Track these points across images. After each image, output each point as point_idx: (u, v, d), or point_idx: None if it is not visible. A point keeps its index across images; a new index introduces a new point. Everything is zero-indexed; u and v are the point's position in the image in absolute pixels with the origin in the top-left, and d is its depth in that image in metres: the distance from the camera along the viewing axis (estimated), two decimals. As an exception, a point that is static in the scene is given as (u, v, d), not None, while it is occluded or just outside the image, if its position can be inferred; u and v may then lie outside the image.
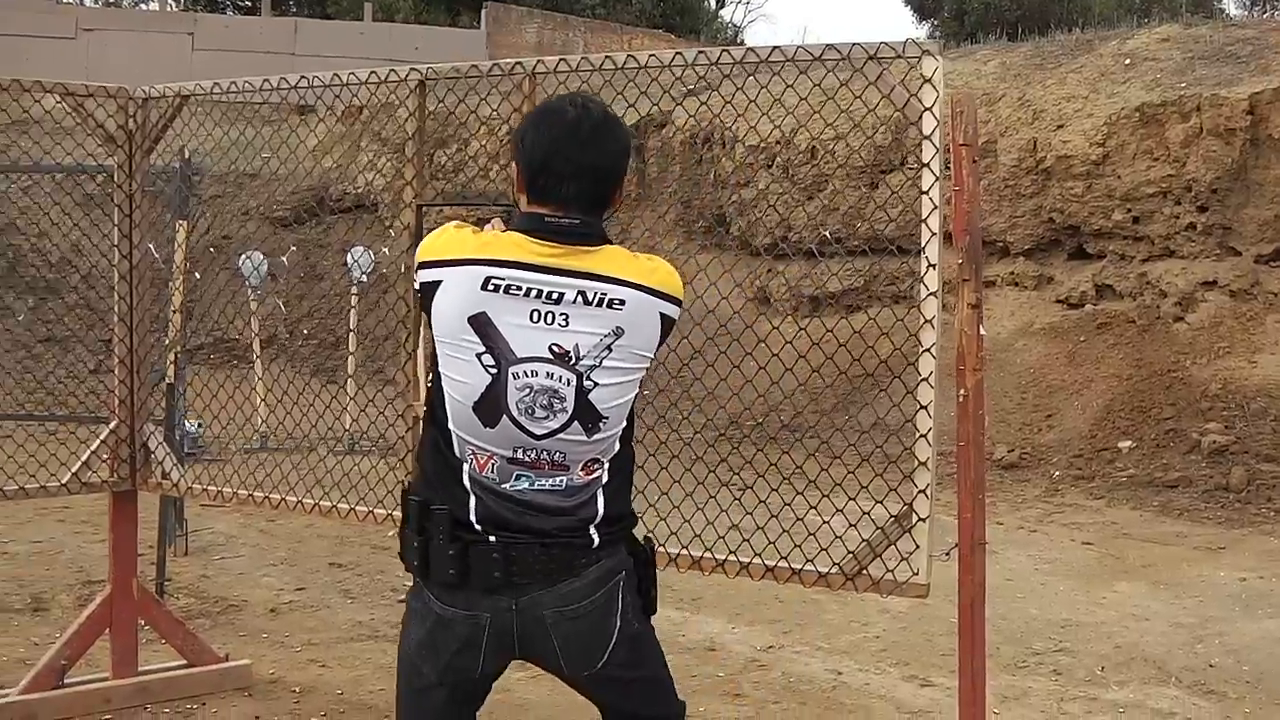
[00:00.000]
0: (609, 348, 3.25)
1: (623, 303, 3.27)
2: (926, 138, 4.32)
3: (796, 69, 4.66)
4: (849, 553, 4.51)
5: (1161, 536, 10.57)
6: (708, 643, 7.52)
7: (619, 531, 3.45)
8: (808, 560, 4.60)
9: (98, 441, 6.16)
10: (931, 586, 4.42)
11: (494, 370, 3.23)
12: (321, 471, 6.03)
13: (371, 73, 5.28)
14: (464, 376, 3.26)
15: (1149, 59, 14.60)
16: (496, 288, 3.23)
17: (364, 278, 14.24)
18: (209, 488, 6.00)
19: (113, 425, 6.14)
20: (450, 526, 3.31)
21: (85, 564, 8.92)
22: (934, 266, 4.39)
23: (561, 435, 3.27)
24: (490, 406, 3.25)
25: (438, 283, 3.29)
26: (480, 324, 3.23)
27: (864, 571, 4.51)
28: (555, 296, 3.23)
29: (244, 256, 14.28)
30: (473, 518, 3.31)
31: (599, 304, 3.25)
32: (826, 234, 14.19)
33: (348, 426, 12.40)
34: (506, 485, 3.30)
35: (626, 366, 3.30)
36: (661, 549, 4.77)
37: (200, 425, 12.18)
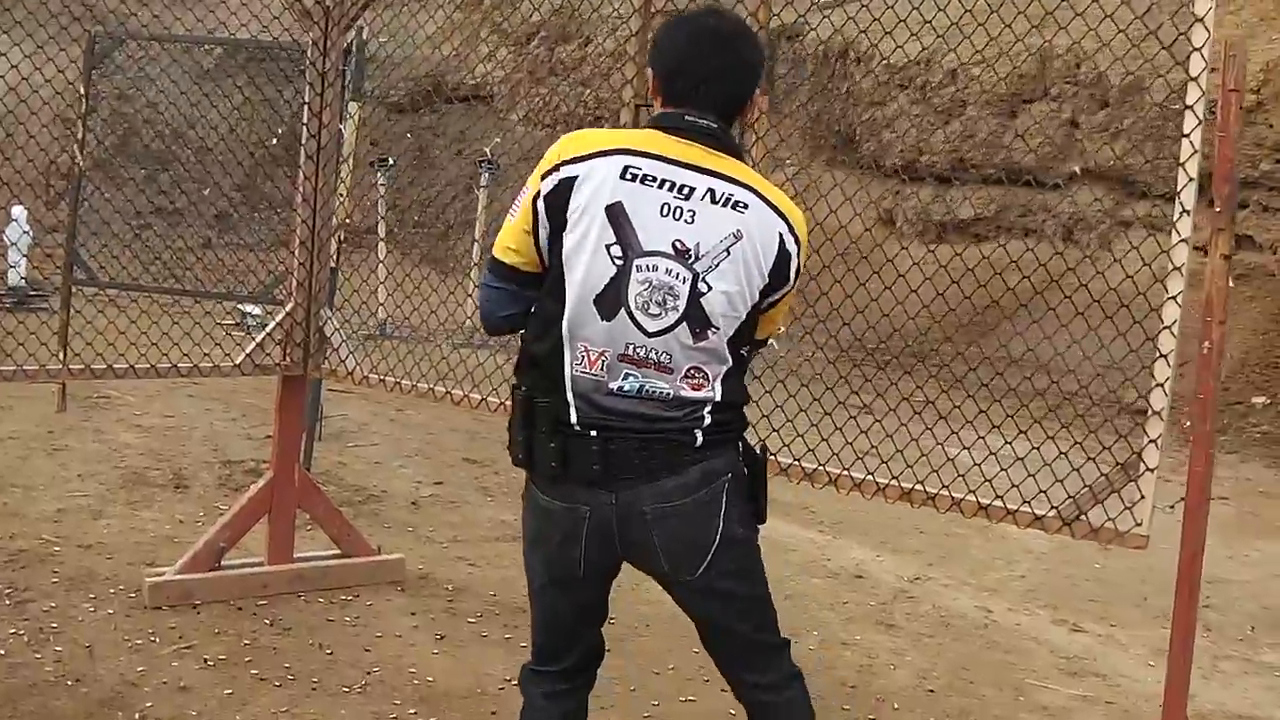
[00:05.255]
0: (727, 250, 3.26)
1: (746, 206, 3.28)
2: (1193, 79, 4.15)
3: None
4: (1069, 497, 4.39)
5: (1299, 496, 10.35)
6: (855, 569, 7.42)
7: (726, 433, 3.41)
8: (1025, 501, 4.47)
9: (273, 324, 6.10)
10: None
11: (620, 261, 3.25)
12: (455, 361, 5.97)
13: (594, -31, 5.13)
14: (590, 268, 3.26)
15: (1310, 2, 14.16)
16: (634, 177, 3.27)
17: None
18: (386, 378, 5.90)
19: (289, 308, 6.07)
20: (552, 422, 3.32)
21: (220, 442, 8.93)
22: (1188, 213, 4.24)
23: (670, 335, 3.26)
24: (611, 299, 3.26)
25: (574, 178, 3.29)
26: (615, 214, 3.25)
27: (1082, 517, 4.38)
28: (686, 191, 3.27)
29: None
30: (573, 415, 3.30)
31: (725, 204, 3.27)
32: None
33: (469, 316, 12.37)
34: (614, 384, 3.28)
35: (740, 276, 3.28)
36: (844, 473, 4.67)
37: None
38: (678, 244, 3.25)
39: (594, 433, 3.29)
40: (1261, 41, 13.79)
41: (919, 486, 4.57)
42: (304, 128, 5.97)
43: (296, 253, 6.06)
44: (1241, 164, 13.71)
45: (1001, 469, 4.58)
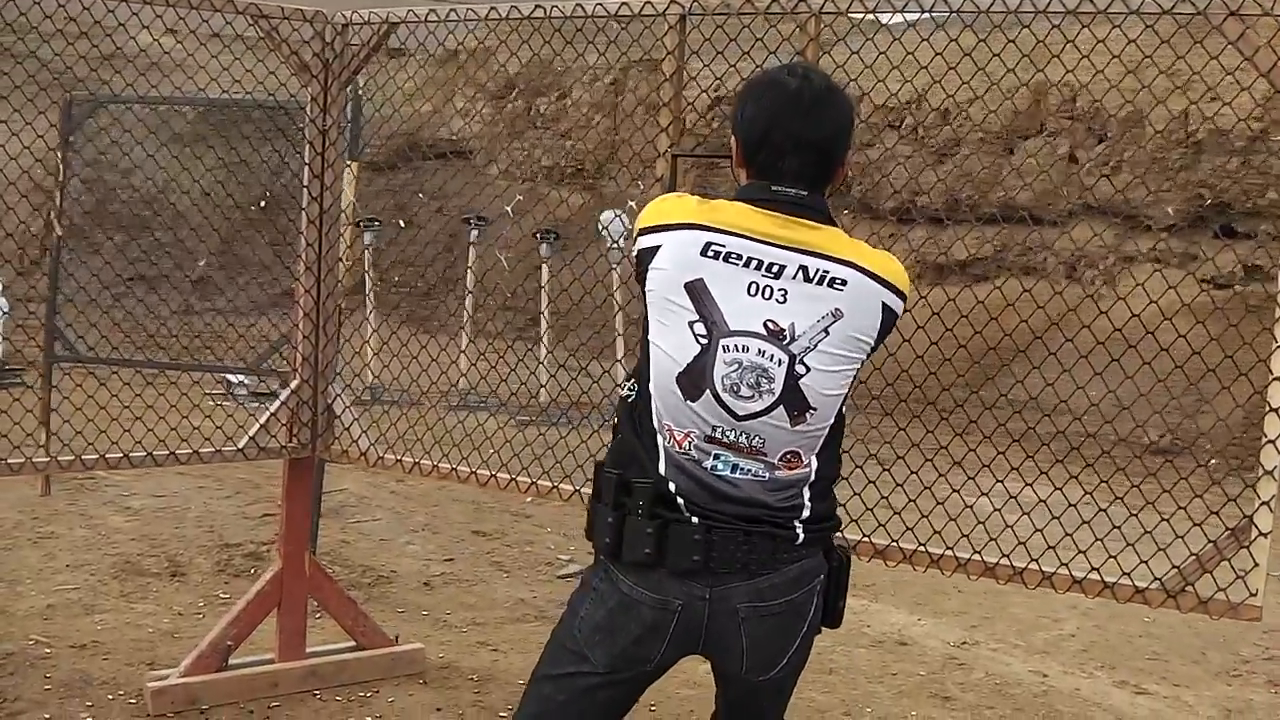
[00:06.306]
0: (826, 330, 3.03)
1: (844, 283, 3.06)
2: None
3: (1128, 20, 4.14)
4: (1173, 567, 4.02)
5: (1334, 533, 9.96)
6: (898, 636, 7.01)
7: (824, 528, 3.21)
8: (1124, 573, 4.10)
9: (278, 402, 5.67)
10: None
11: (704, 340, 3.03)
12: (459, 434, 5.60)
13: (623, 4, 4.72)
14: (673, 345, 3.06)
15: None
16: (716, 254, 3.05)
17: (618, 245, 13.00)
18: (402, 459, 5.48)
19: (294, 385, 5.65)
20: (651, 502, 3.07)
21: (216, 524, 8.46)
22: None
23: (764, 419, 3.03)
24: (695, 378, 3.03)
25: (656, 248, 3.10)
26: (696, 291, 3.04)
27: (1188, 588, 4.01)
28: (775, 270, 3.05)
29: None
30: (672, 488, 3.07)
31: (820, 282, 3.04)
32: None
33: (474, 382, 11.96)
34: (706, 463, 3.05)
35: (842, 354, 3.06)
36: (949, 553, 4.31)
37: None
38: (770, 324, 3.02)
39: (696, 520, 3.06)
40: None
41: (1004, 561, 4.20)
42: (304, 190, 5.57)
43: (300, 324, 5.64)
44: (1250, 193, 13.42)
45: (1096, 538, 4.22)
